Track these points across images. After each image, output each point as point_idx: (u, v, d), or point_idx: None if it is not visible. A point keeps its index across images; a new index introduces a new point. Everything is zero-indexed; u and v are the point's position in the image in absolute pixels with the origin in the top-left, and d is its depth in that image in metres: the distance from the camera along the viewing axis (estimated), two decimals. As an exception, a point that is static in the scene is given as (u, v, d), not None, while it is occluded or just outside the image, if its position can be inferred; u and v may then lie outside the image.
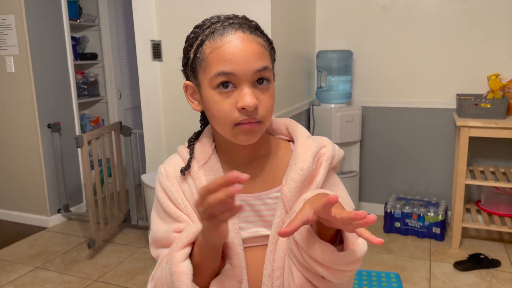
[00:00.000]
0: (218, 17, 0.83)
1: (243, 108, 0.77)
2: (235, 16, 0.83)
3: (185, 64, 0.86)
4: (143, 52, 2.62)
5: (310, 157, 0.87)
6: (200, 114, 0.97)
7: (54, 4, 3.23)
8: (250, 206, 0.89)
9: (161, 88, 2.63)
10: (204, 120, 0.97)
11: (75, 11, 3.79)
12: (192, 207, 0.88)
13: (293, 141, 0.95)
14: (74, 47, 3.81)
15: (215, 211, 0.64)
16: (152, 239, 0.90)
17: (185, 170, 0.89)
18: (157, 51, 2.57)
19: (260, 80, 0.79)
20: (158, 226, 0.89)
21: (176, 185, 0.89)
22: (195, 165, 0.89)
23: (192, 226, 0.80)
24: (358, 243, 0.75)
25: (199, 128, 0.99)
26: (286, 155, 0.92)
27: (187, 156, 0.91)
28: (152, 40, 2.57)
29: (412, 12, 2.95)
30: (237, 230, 0.87)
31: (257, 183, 0.89)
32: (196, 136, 0.95)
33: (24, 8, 3.01)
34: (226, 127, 0.81)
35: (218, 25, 0.80)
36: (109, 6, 3.92)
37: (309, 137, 0.91)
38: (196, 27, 0.85)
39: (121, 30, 4.07)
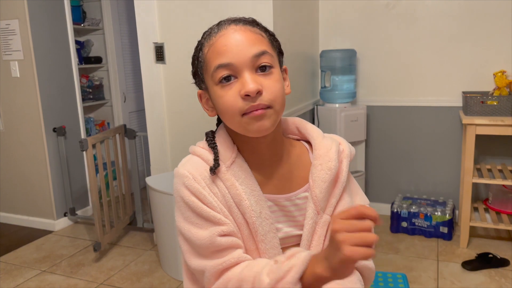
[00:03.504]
0: (217, 23, 0.85)
1: (246, 95, 0.76)
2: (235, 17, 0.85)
3: (194, 73, 0.86)
4: (146, 54, 2.62)
5: (335, 155, 0.88)
6: (217, 120, 0.95)
7: (57, 8, 3.24)
8: (282, 207, 0.88)
9: (164, 90, 2.63)
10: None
11: (79, 15, 3.81)
12: (229, 210, 0.84)
13: (304, 140, 0.95)
14: (78, 51, 3.83)
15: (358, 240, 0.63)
16: (192, 248, 0.84)
17: (215, 169, 0.83)
18: (160, 54, 2.58)
19: (263, 67, 0.79)
20: (195, 233, 0.82)
21: (206, 188, 0.83)
22: (222, 166, 0.85)
23: (297, 256, 0.74)
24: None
25: (203, 129, 0.97)
26: (303, 154, 0.92)
27: (210, 157, 0.86)
28: (155, 43, 2.57)
29: (416, 9, 2.93)
30: (275, 231, 0.85)
31: (284, 184, 0.88)
32: (213, 135, 0.90)
33: (27, 13, 3.03)
34: (234, 119, 0.79)
35: (215, 25, 0.83)
36: (112, 9, 3.93)
37: (324, 136, 0.92)
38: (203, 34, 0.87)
39: (125, 33, 4.08)
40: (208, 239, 0.80)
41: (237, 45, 0.78)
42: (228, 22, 0.81)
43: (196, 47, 0.85)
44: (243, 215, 0.84)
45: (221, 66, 0.77)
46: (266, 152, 0.87)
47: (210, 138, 0.89)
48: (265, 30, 0.85)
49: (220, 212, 0.83)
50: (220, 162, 0.85)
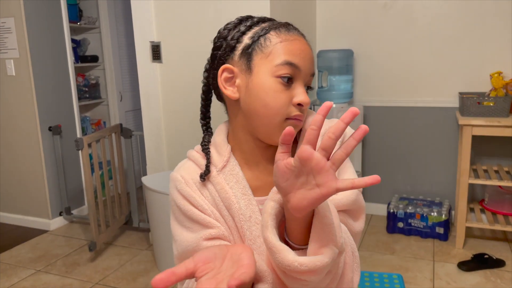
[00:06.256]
0: (265, 17, 0.86)
1: (299, 104, 0.79)
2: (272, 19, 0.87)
3: (231, 48, 0.82)
4: (142, 53, 2.61)
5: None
6: (201, 114, 0.92)
7: (54, 6, 3.23)
8: None
9: (161, 89, 2.62)
10: (206, 120, 0.93)
11: (76, 14, 3.79)
12: (220, 213, 0.84)
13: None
14: (75, 50, 3.81)
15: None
16: (179, 253, 0.84)
17: (205, 176, 0.84)
18: (156, 53, 2.56)
19: (307, 86, 0.83)
20: (184, 236, 0.83)
21: (197, 192, 0.85)
22: (213, 170, 0.85)
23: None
24: (321, 251, 0.67)
25: (199, 129, 0.96)
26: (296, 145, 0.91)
27: (202, 161, 0.87)
28: (151, 42, 2.56)
29: (413, 10, 2.93)
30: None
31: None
32: (209, 140, 0.90)
33: (23, 11, 3.01)
34: (276, 119, 0.79)
35: (275, 22, 0.83)
36: (109, 8, 3.91)
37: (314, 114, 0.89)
38: (240, 20, 0.84)
39: (121, 32, 4.07)
40: (193, 243, 0.81)
41: (308, 57, 0.81)
42: (297, 31, 0.83)
43: (254, 24, 0.83)
44: (233, 218, 0.83)
45: (291, 65, 0.78)
46: (268, 152, 0.86)
47: (205, 142, 0.89)
48: None
49: (211, 215, 0.83)
50: (211, 167, 0.85)
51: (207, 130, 0.92)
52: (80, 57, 3.90)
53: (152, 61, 2.59)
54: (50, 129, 3.23)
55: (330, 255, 0.66)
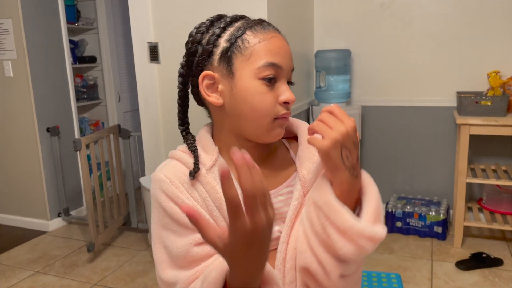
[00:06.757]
0: (236, 15, 0.85)
1: (285, 103, 0.80)
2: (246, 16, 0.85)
3: (209, 54, 0.80)
4: (140, 54, 2.61)
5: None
6: (178, 120, 0.90)
7: (51, 7, 3.23)
8: None
9: (159, 90, 2.62)
10: (184, 126, 0.90)
11: (73, 14, 3.79)
12: (210, 214, 0.81)
13: (287, 137, 0.93)
14: (73, 51, 3.81)
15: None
16: (168, 258, 0.80)
17: (195, 173, 0.80)
18: (154, 53, 2.57)
19: (289, 82, 0.83)
20: (173, 240, 0.79)
21: (185, 192, 0.80)
22: (202, 169, 0.82)
23: (211, 269, 0.68)
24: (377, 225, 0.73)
25: (197, 129, 0.95)
26: (284, 151, 0.91)
27: (190, 160, 0.83)
28: (149, 42, 2.56)
29: (410, 10, 2.94)
30: None
31: (268, 182, 0.84)
32: (194, 139, 0.88)
33: (21, 12, 3.01)
34: (264, 120, 0.79)
35: (249, 21, 0.81)
36: (107, 8, 3.91)
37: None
38: (212, 21, 0.84)
39: (119, 33, 4.07)
40: (183, 249, 0.78)
41: (287, 53, 0.81)
42: (273, 27, 0.82)
43: (227, 24, 0.81)
44: (225, 219, 0.80)
45: (274, 65, 0.78)
46: (255, 153, 0.85)
47: (191, 141, 0.86)
48: None
49: None
50: (200, 166, 0.82)
51: (187, 135, 0.89)
52: (78, 58, 3.90)
53: (150, 61, 2.59)
54: (48, 130, 3.23)
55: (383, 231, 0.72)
